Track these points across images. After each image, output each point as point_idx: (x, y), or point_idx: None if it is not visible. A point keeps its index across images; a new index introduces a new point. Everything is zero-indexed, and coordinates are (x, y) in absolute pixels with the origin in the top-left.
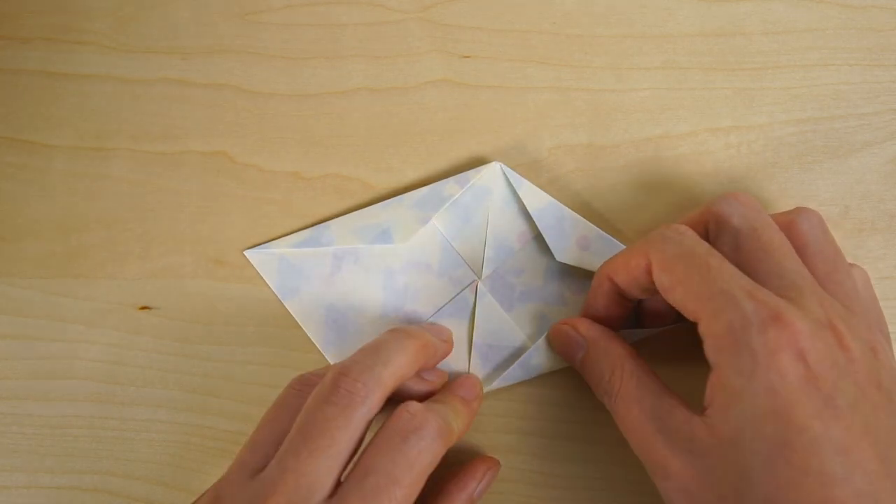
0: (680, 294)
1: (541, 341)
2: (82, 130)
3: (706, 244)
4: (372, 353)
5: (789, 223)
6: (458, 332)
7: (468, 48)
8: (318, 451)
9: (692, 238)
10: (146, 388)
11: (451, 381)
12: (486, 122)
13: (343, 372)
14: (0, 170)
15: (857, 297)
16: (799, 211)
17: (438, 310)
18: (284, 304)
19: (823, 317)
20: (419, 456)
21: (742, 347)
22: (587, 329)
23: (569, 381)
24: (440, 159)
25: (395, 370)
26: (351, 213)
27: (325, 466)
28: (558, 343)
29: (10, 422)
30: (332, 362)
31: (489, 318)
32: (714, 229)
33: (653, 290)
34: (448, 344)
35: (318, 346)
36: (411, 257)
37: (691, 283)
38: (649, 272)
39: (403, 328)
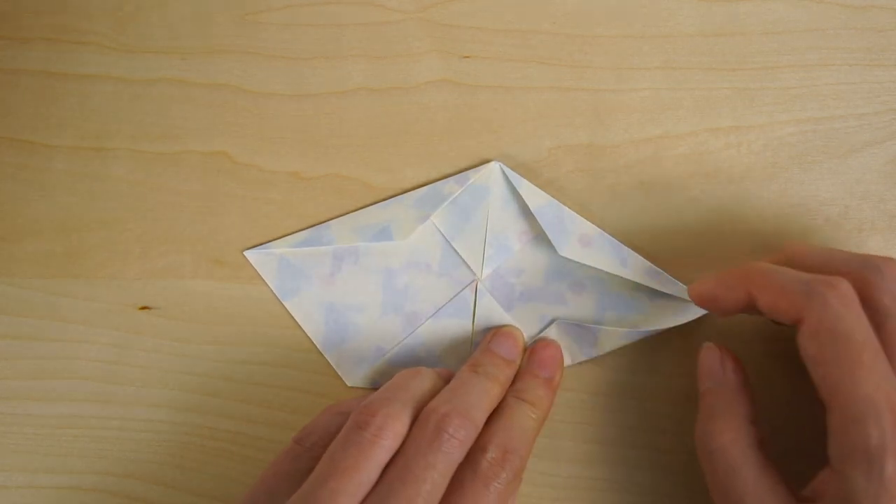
0: (821, 373)
1: (539, 338)
2: (82, 130)
3: (866, 328)
4: (461, 396)
5: None
6: (459, 331)
7: (468, 48)
8: (419, 496)
9: (854, 317)
10: (146, 388)
11: (534, 354)
12: (486, 122)
13: (447, 414)
14: (0, 170)
15: None
16: None
17: (438, 310)
18: (284, 304)
19: None
20: (499, 498)
21: (875, 471)
22: (732, 369)
23: (568, 382)
24: (440, 159)
25: (485, 412)
26: (351, 213)
27: None
28: (705, 361)
29: (10, 422)
30: (332, 363)
31: (489, 318)
32: (861, 296)
33: (778, 321)
34: (518, 362)
35: (317, 346)
36: (411, 257)
37: (839, 371)
38: (795, 321)
39: (485, 367)
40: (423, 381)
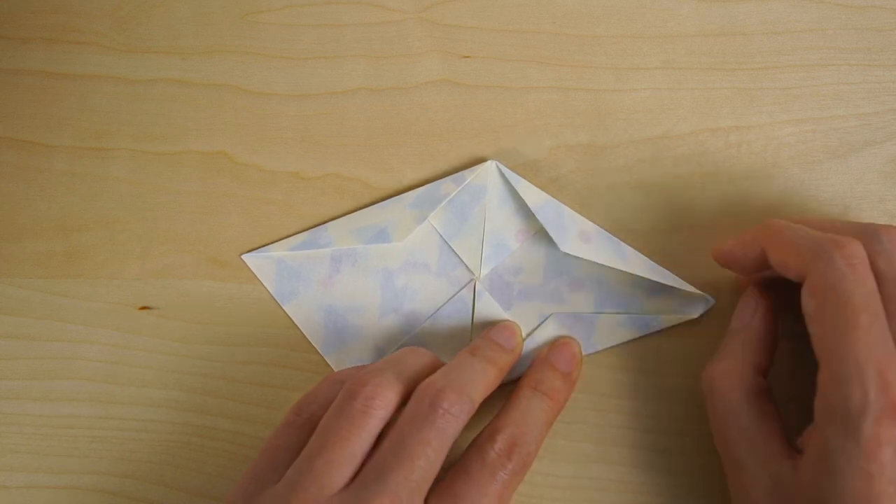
0: (817, 330)
1: (537, 334)
2: (82, 130)
3: (868, 291)
4: (458, 373)
5: None
6: (458, 331)
7: (468, 48)
8: (413, 473)
9: (857, 278)
10: (146, 388)
11: (553, 349)
12: (486, 122)
13: (442, 389)
14: (0, 170)
15: None
16: None
17: (437, 309)
18: (283, 307)
19: None
20: (504, 488)
21: (852, 431)
22: (761, 317)
23: None
24: (440, 159)
25: (483, 391)
26: (348, 215)
27: (418, 486)
28: (741, 304)
29: (10, 422)
30: (332, 365)
31: (488, 317)
32: None
33: (787, 277)
34: (516, 352)
35: (317, 348)
36: (409, 257)
37: (833, 331)
38: (801, 278)
39: (482, 350)
40: (420, 357)
